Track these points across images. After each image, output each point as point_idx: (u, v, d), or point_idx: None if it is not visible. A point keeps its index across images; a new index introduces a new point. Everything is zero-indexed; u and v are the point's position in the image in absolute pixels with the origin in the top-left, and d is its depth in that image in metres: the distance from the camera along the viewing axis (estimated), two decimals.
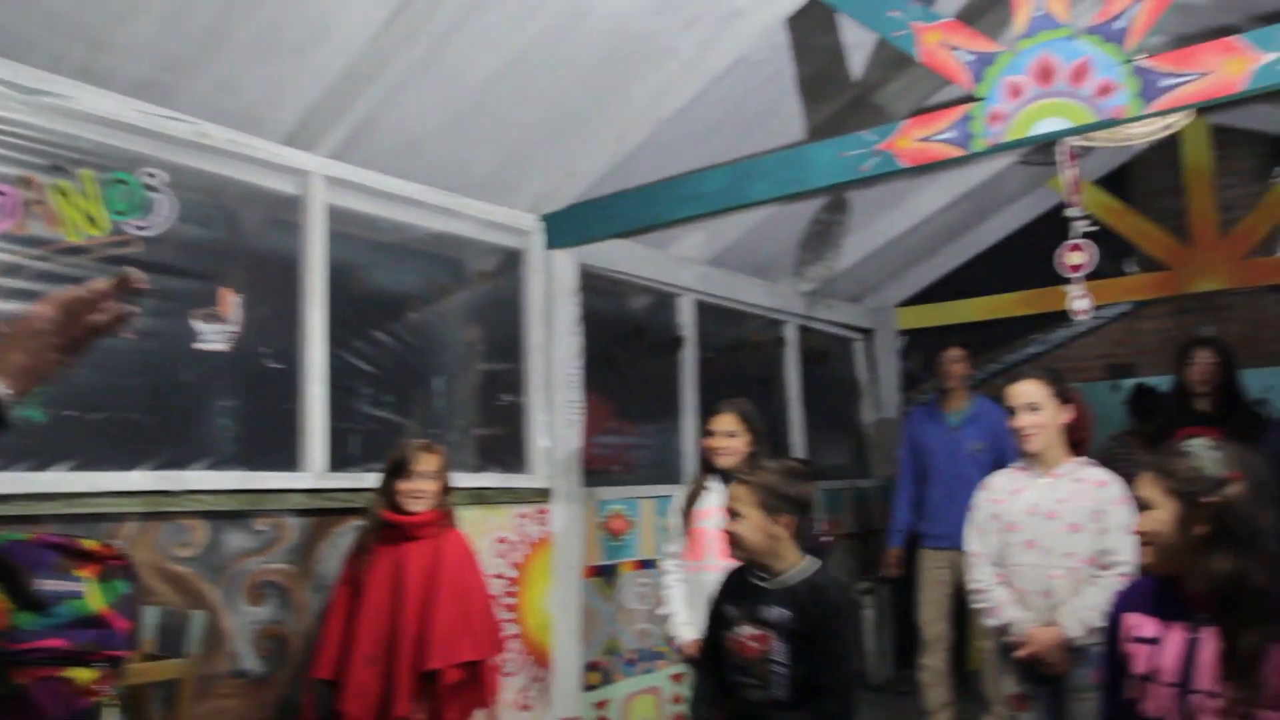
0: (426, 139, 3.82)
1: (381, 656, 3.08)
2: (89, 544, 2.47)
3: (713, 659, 2.80)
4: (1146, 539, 2.23)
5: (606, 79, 3.84)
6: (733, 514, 2.70)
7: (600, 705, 4.63)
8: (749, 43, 3.80)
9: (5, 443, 2.81)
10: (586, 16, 3.51)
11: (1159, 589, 2.26)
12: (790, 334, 6.28)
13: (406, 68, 3.38)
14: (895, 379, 6.98)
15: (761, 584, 2.71)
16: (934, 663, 5.16)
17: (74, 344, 1.25)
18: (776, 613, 2.63)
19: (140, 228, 3.16)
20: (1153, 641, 2.21)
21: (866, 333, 6.96)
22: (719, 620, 2.78)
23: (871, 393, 6.98)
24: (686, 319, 5.45)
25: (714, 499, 3.52)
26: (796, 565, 2.69)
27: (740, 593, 2.76)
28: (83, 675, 2.33)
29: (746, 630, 2.67)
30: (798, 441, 6.19)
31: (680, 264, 5.28)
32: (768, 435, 3.65)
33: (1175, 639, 2.17)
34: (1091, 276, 3.85)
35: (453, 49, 3.43)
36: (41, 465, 2.92)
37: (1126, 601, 2.35)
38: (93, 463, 3.03)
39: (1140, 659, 2.22)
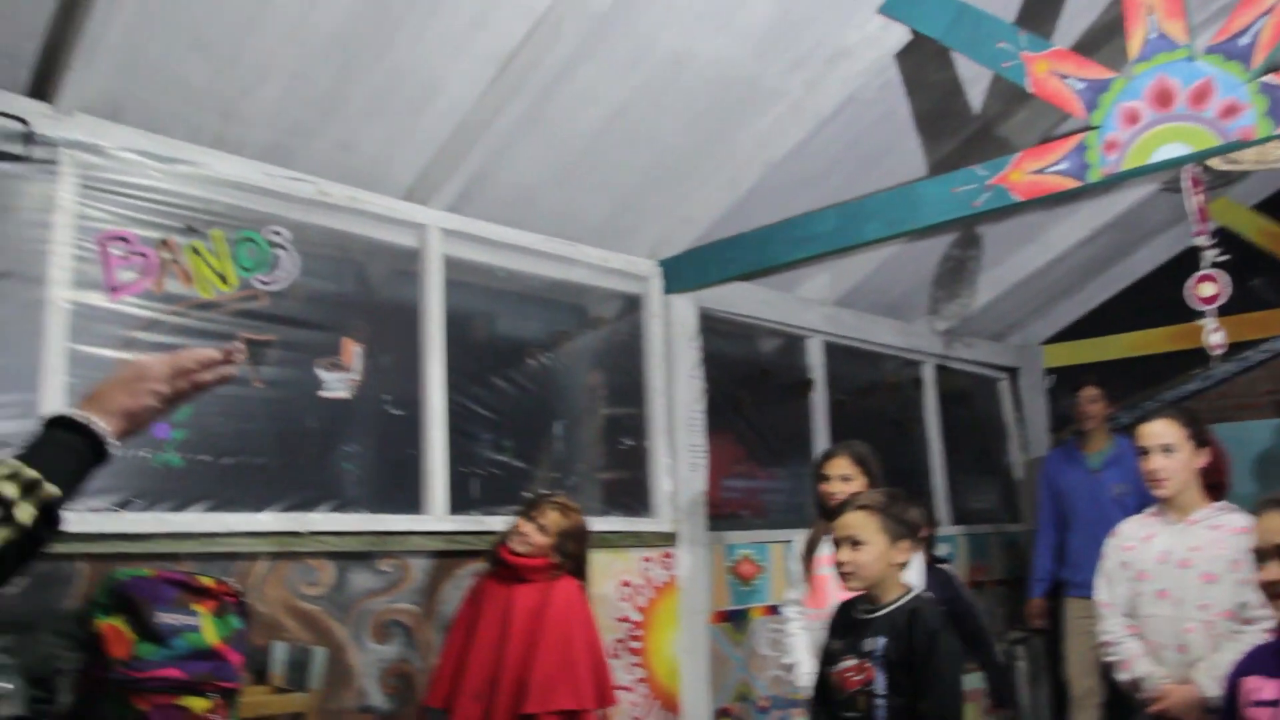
0: (539, 189, 3.93)
1: (487, 692, 3.13)
2: (205, 581, 2.62)
3: (821, 696, 2.77)
4: (1271, 591, 2.07)
5: (713, 124, 3.88)
6: (854, 542, 2.65)
7: None
8: (857, 82, 3.77)
9: (147, 485, 3.05)
10: (688, 64, 3.56)
11: None
12: (928, 374, 6.12)
13: (515, 121, 3.49)
14: (1044, 419, 6.69)
15: (865, 615, 2.67)
16: None
17: (175, 397, 1.36)
18: (876, 643, 2.60)
19: (266, 283, 3.37)
20: (1275, 704, 2.04)
21: (1011, 371, 6.71)
22: (825, 657, 2.77)
23: (1019, 434, 6.72)
24: (815, 361, 5.38)
25: (832, 545, 3.45)
26: (901, 594, 2.67)
27: (844, 626, 2.75)
28: (197, 704, 2.47)
29: (848, 663, 2.63)
30: (939, 485, 6.00)
31: (806, 305, 5.23)
32: (884, 477, 3.55)
33: None
34: (1259, 306, 3.61)
35: (558, 101, 3.54)
36: (179, 506, 3.11)
37: (1247, 664, 2.19)
38: (226, 505, 3.21)
39: None
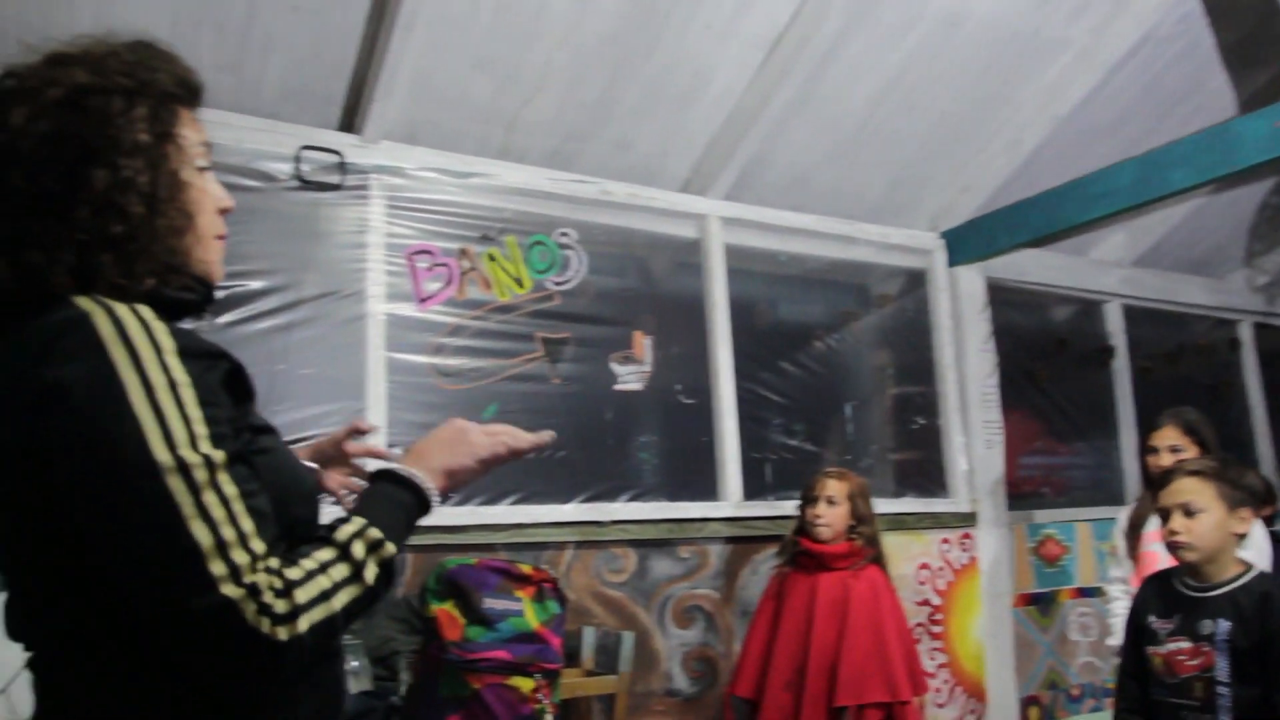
0: (814, 169, 3.89)
1: (797, 682, 3.10)
2: (525, 568, 2.76)
3: (1137, 676, 2.55)
4: None
5: (993, 84, 3.71)
6: (1187, 510, 2.45)
7: None
8: (1152, 18, 3.49)
9: None
10: (963, 23, 3.41)
11: None
12: (1245, 334, 5.60)
13: (786, 104, 3.48)
14: None
15: (1196, 593, 2.44)
16: None
17: (491, 462, 1.38)
18: (1217, 625, 2.36)
19: (558, 283, 3.53)
20: None
21: None
22: (1144, 634, 2.54)
23: None
24: (1115, 327, 5.06)
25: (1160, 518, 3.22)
26: (1239, 572, 2.42)
27: (1169, 603, 2.50)
28: (524, 684, 2.60)
29: (1180, 645, 2.41)
30: (1265, 455, 5.47)
31: (1101, 268, 4.92)
32: (1219, 446, 3.27)
33: None
34: None
35: (829, 79, 3.49)
36: (492, 500, 3.31)
37: None
38: (534, 497, 3.38)
39: None
